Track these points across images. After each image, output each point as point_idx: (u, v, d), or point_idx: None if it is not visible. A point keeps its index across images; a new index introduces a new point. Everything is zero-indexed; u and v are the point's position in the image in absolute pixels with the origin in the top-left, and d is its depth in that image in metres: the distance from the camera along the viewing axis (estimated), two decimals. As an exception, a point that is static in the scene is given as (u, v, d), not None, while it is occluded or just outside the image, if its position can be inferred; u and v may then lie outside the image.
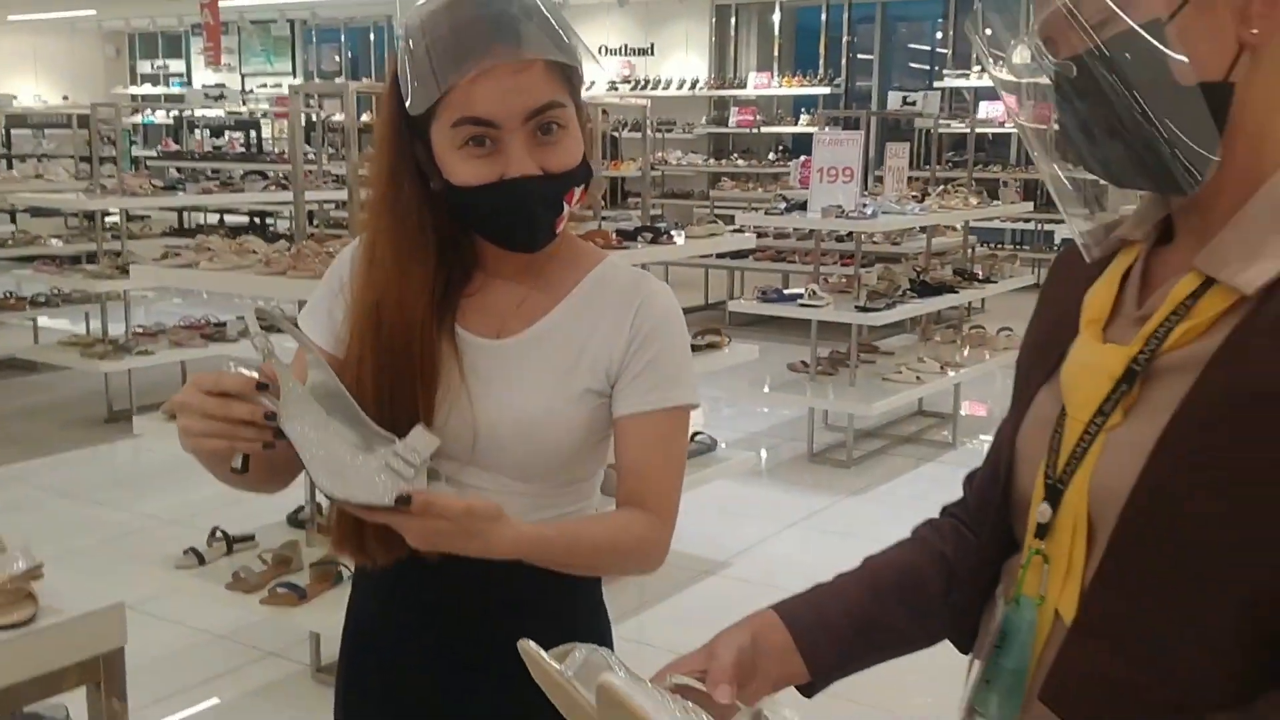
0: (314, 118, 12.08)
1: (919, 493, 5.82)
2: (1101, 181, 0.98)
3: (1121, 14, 0.89)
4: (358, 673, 1.57)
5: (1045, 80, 0.96)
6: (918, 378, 6.21)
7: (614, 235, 4.15)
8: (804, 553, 4.91)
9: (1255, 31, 0.89)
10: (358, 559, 1.45)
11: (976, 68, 13.16)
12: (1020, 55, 0.99)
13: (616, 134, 12.69)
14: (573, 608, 1.51)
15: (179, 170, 13.47)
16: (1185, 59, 0.89)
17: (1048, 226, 12.01)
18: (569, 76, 1.33)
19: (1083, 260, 1.04)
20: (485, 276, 1.44)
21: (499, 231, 1.38)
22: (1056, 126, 0.98)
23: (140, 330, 6.69)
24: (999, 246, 11.30)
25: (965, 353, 6.89)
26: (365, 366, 1.38)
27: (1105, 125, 0.93)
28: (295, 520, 3.76)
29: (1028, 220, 11.77)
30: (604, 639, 1.54)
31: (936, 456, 6.45)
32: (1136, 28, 0.89)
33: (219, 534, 3.53)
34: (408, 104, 1.31)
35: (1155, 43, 0.89)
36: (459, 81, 1.27)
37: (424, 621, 1.49)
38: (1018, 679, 0.99)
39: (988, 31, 1.02)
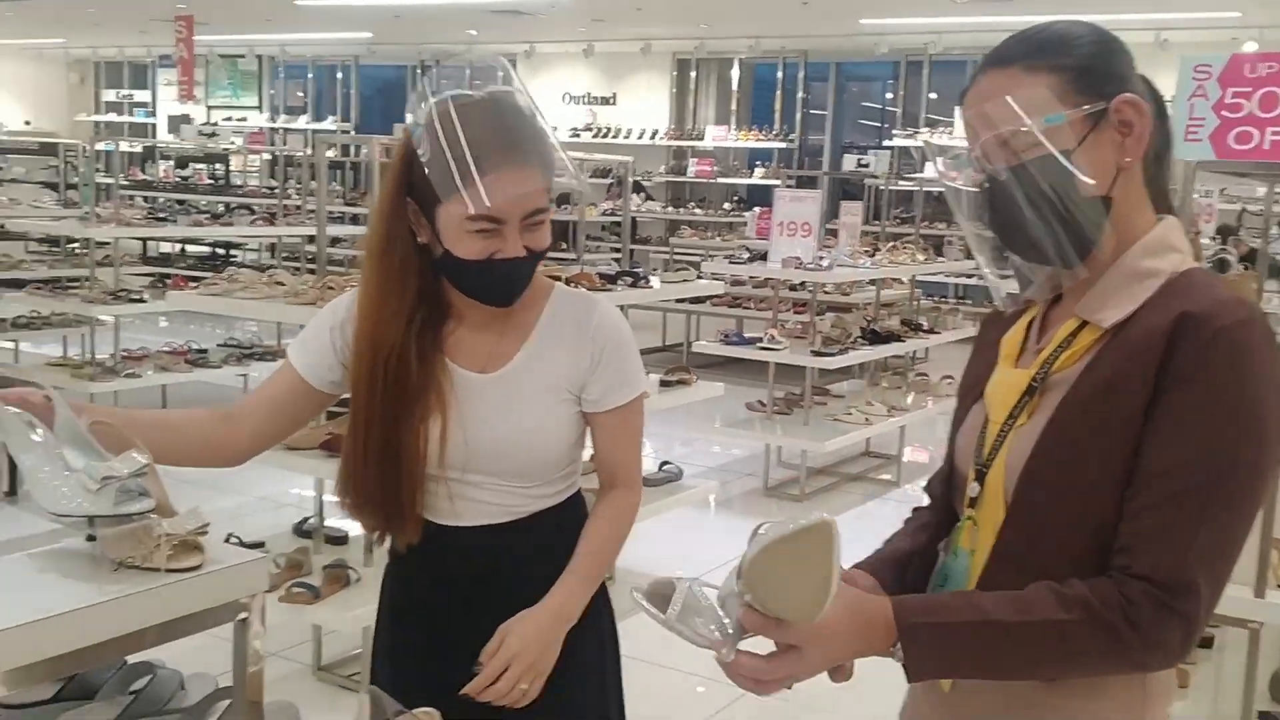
0: (278, 154, 12.39)
1: (865, 528, 6.16)
2: (1015, 260, 1.41)
3: (1047, 143, 1.29)
4: (401, 635, 1.93)
5: (982, 183, 1.37)
6: (867, 420, 6.64)
7: (597, 278, 4.54)
8: (759, 578, 5.28)
9: (1128, 160, 1.32)
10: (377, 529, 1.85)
11: (925, 128, 13.78)
12: (962, 164, 1.40)
13: (612, 182, 13.12)
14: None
15: (145, 200, 13.69)
16: (1091, 179, 1.30)
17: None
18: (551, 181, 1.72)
19: (1000, 319, 1.49)
20: (455, 321, 1.81)
21: (485, 295, 1.76)
22: (987, 221, 1.38)
23: (126, 354, 6.95)
24: (942, 299, 11.84)
25: (910, 398, 7.34)
26: (361, 393, 1.76)
27: (1030, 218, 1.33)
28: (301, 530, 4.07)
29: (970, 276, 12.34)
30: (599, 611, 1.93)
31: (881, 494, 6.87)
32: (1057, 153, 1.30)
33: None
34: (437, 188, 1.63)
35: (1066, 164, 1.30)
36: (477, 185, 1.60)
37: (453, 586, 1.86)
38: None
39: (938, 147, 1.45)
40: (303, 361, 1.84)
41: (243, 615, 1.60)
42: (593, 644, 1.90)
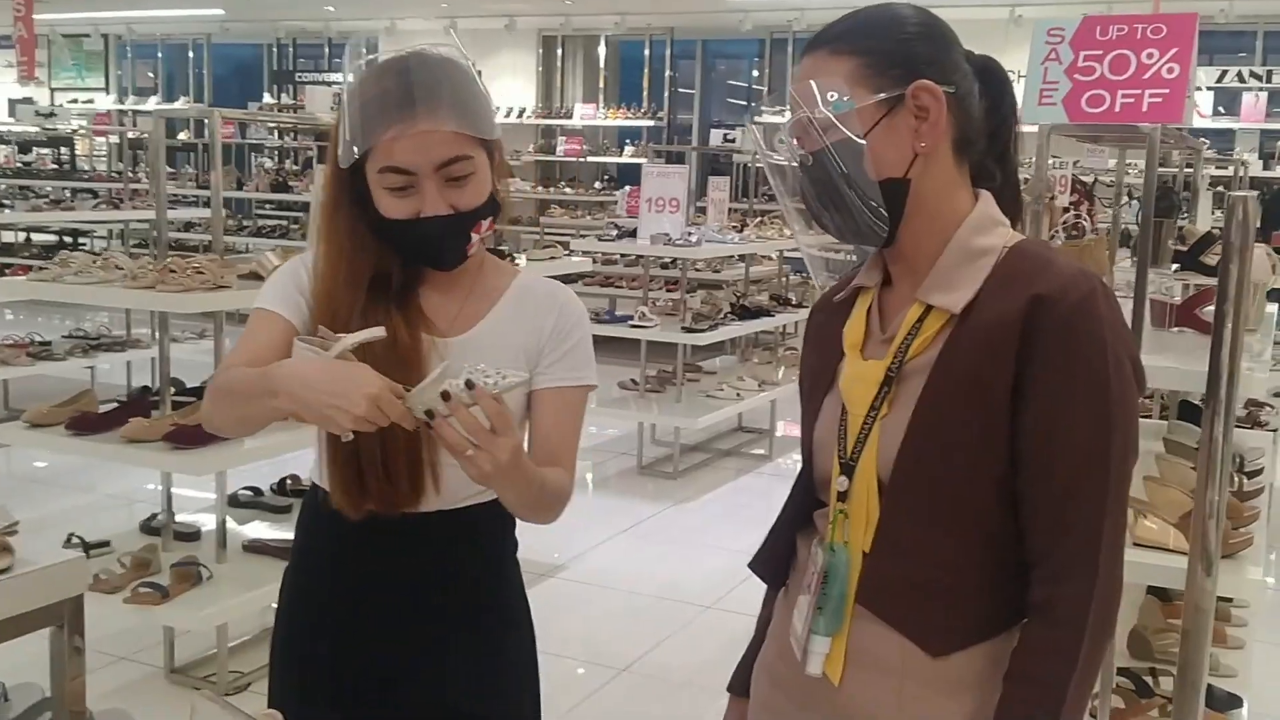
0: (125, 136, 11.86)
1: (739, 502, 6.25)
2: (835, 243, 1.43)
3: (842, 127, 1.31)
4: (303, 637, 1.78)
5: (795, 164, 1.38)
6: (738, 395, 6.65)
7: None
8: (632, 557, 5.24)
9: (923, 144, 1.32)
10: (355, 509, 1.66)
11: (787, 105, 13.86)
12: (780, 148, 1.41)
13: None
14: (498, 578, 1.83)
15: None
16: (877, 164, 1.31)
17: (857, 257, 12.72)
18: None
19: (832, 306, 1.49)
20: (423, 286, 1.71)
21: (419, 256, 1.68)
22: (801, 202, 1.40)
23: (-38, 348, 6.55)
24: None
25: (781, 372, 7.38)
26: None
27: (830, 199, 1.34)
28: (149, 528, 3.87)
29: (838, 251, 12.48)
30: (523, 607, 1.87)
31: (754, 468, 6.90)
32: (851, 136, 1.31)
33: (74, 539, 3.61)
34: (339, 157, 1.60)
35: (857, 143, 1.31)
36: (381, 140, 1.57)
37: (375, 583, 1.73)
38: (841, 600, 1.36)
39: (761, 129, 1.44)
40: (288, 307, 1.68)
41: (58, 621, 1.47)
42: (516, 640, 1.85)
